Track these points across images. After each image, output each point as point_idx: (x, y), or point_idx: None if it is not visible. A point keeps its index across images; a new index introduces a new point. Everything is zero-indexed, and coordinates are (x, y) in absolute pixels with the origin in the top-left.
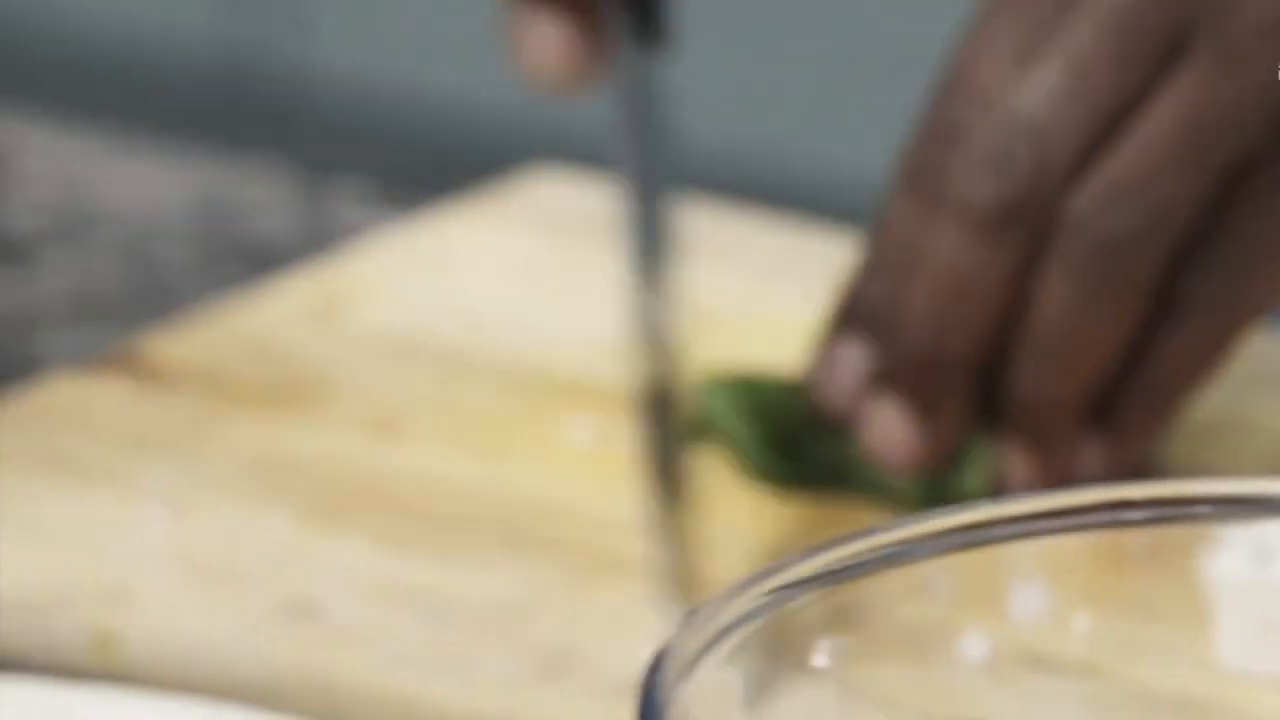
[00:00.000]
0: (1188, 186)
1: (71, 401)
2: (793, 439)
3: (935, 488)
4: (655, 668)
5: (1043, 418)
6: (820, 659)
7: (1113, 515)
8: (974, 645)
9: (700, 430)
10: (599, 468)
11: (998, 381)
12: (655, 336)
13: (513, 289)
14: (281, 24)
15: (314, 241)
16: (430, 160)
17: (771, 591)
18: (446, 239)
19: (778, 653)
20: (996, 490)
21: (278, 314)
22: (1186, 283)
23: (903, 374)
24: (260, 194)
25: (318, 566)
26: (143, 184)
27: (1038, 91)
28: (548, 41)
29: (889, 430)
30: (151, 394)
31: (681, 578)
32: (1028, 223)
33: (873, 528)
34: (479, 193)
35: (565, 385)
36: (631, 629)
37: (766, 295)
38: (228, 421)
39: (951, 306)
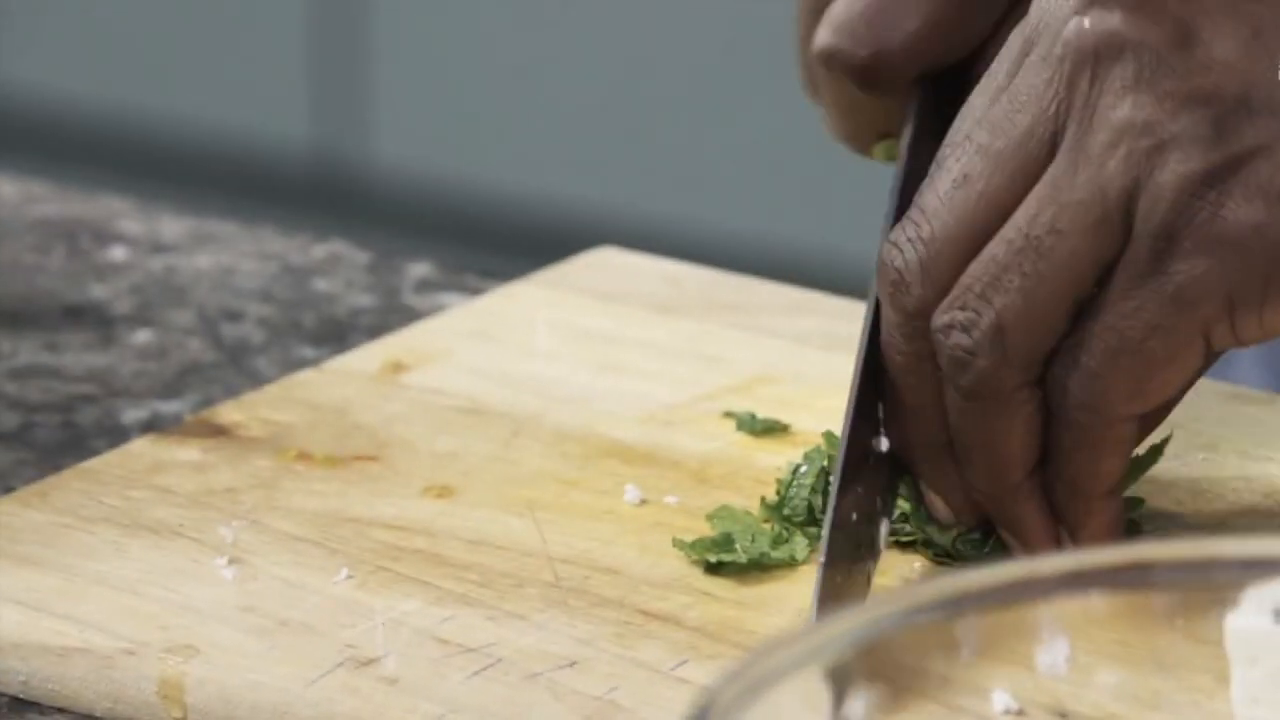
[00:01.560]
0: (1022, 298)
1: (150, 464)
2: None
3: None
4: (696, 719)
5: (996, 505)
6: (855, 710)
7: (1137, 576)
8: (1001, 698)
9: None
10: (644, 530)
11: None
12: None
13: (568, 360)
14: (356, 121)
15: (383, 318)
16: (489, 244)
17: (808, 645)
18: (506, 313)
19: (814, 704)
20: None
21: (344, 383)
22: (1052, 391)
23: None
24: (333, 274)
25: (376, 621)
26: (224, 264)
27: (931, 198)
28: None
29: (929, 497)
30: (223, 457)
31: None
32: (926, 330)
33: (907, 586)
34: (537, 272)
35: (615, 451)
36: (673, 682)
37: (815, 360)
38: (293, 483)
39: (898, 396)
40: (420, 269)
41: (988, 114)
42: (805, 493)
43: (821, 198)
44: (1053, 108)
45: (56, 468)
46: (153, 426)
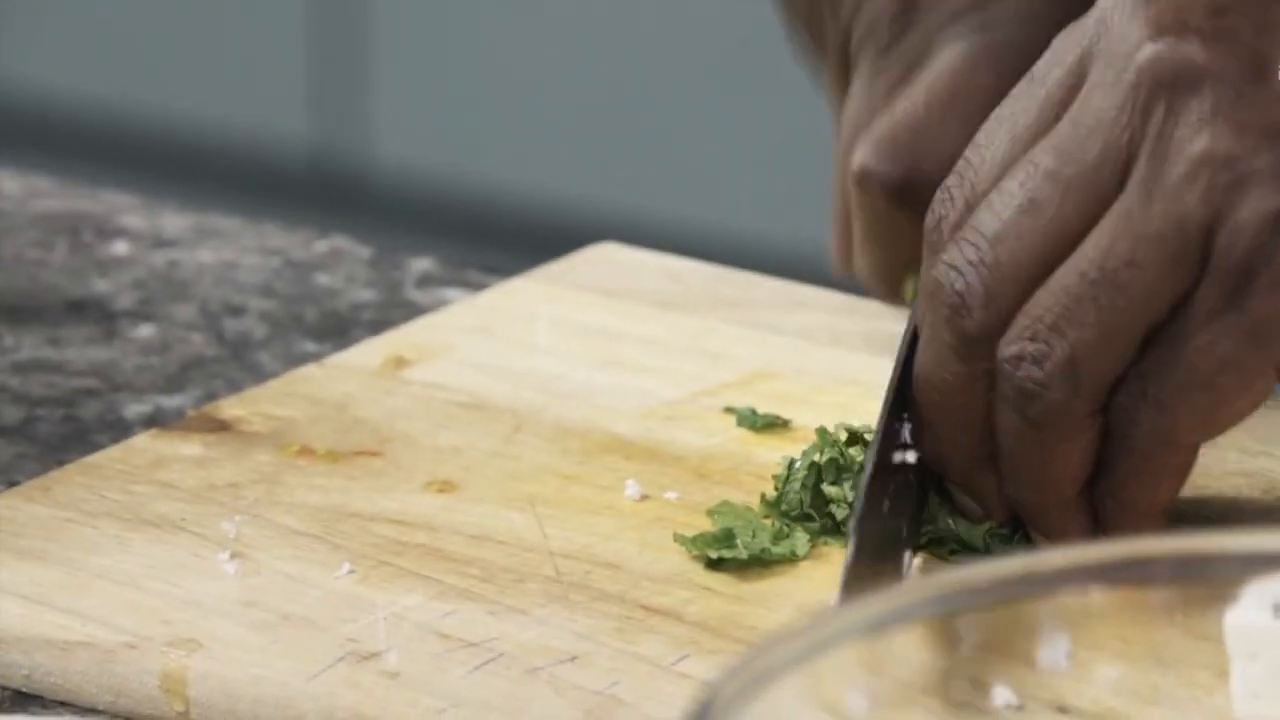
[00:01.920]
0: (1097, 332)
1: (152, 458)
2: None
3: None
4: (696, 713)
5: (1041, 516)
6: (856, 705)
7: (1137, 571)
8: (1002, 693)
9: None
10: (645, 525)
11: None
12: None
13: (569, 355)
14: (358, 117)
15: (385, 314)
16: (491, 240)
17: (809, 640)
18: (507, 309)
19: (814, 698)
20: None
21: (346, 378)
22: (1118, 418)
23: (932, 466)
24: (335, 269)
25: (377, 616)
26: (226, 259)
27: (994, 222)
28: None
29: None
30: (225, 452)
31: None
32: (986, 352)
33: (908, 582)
34: (538, 267)
35: (616, 446)
36: (674, 677)
37: (817, 356)
38: (295, 478)
39: (935, 415)
40: (422, 264)
41: (1052, 137)
42: (797, 488)
43: (823, 194)
44: (1125, 136)
45: (59, 462)
46: (155, 421)
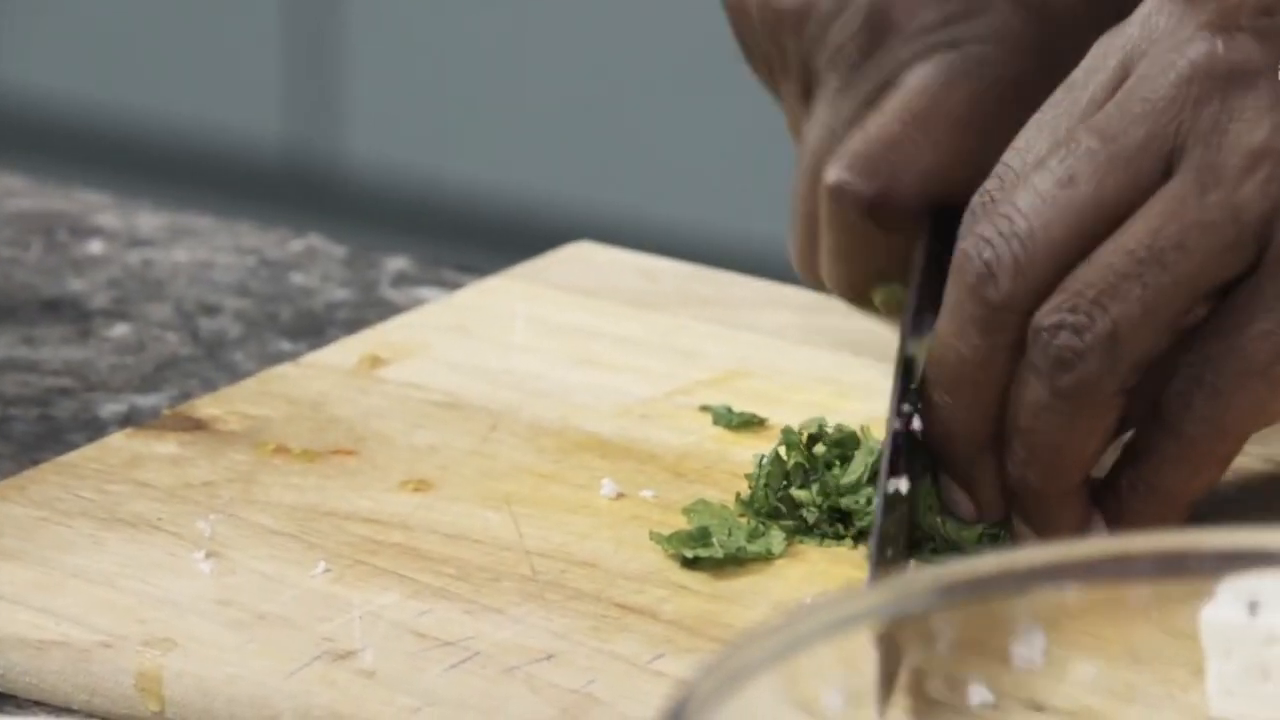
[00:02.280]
0: (1140, 309)
1: (127, 457)
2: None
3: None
4: (672, 712)
5: (1041, 504)
6: (831, 703)
7: (1112, 569)
8: (978, 691)
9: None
10: (620, 523)
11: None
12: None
13: (545, 354)
14: (333, 116)
15: (360, 313)
16: (467, 239)
17: (785, 638)
18: (483, 308)
19: (790, 696)
20: None
21: (322, 377)
22: (1170, 404)
23: (934, 447)
24: (310, 268)
25: (353, 615)
26: (201, 258)
27: (1029, 197)
28: None
29: (952, 494)
30: (200, 451)
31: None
32: (1010, 324)
33: (881, 580)
34: (514, 266)
35: (592, 445)
36: (650, 675)
37: (792, 354)
38: (271, 477)
39: (953, 389)
40: (397, 263)
41: (1094, 121)
42: (760, 486)
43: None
44: (1173, 126)
45: (34, 461)
46: (130, 420)
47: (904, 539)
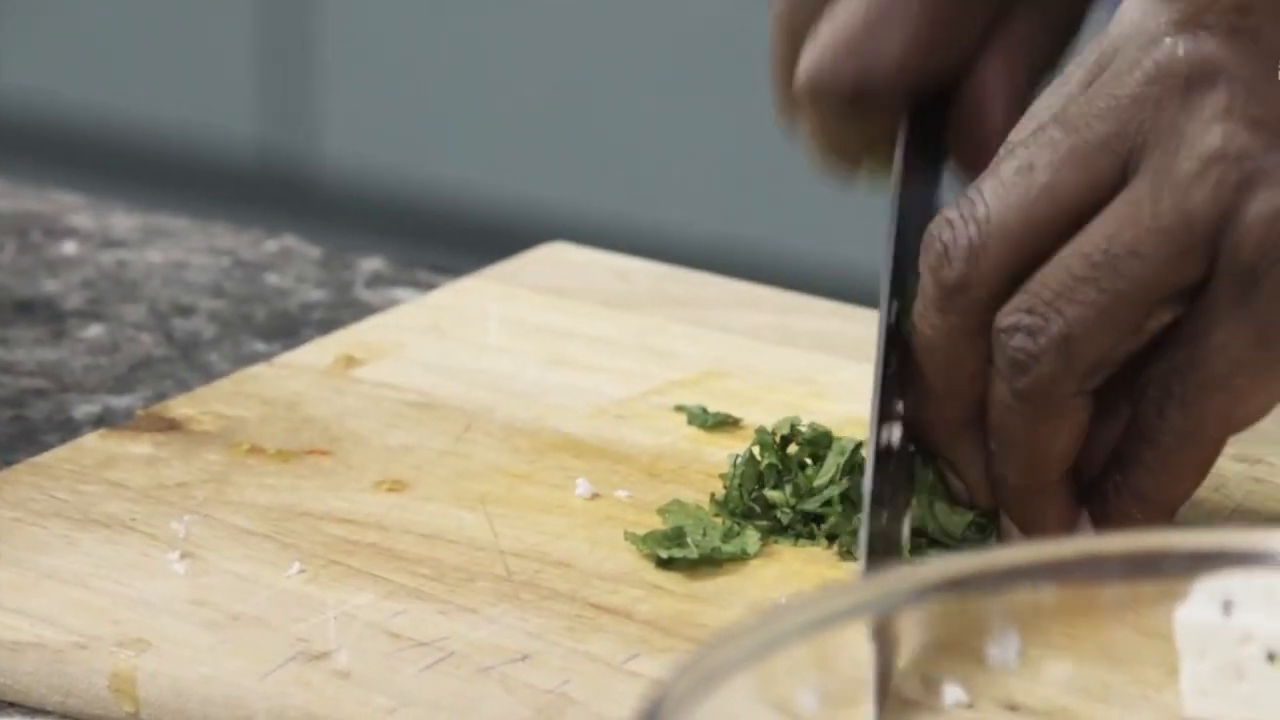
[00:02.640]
0: (1095, 313)
1: (101, 458)
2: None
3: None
4: (647, 712)
5: (1020, 499)
6: (806, 703)
7: (1087, 569)
8: (952, 691)
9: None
10: (595, 523)
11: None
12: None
13: (519, 354)
14: (307, 117)
15: (335, 313)
16: (441, 240)
17: (759, 638)
18: (457, 308)
19: (765, 696)
20: None
21: (296, 378)
22: (1146, 413)
23: (923, 433)
24: (284, 269)
25: (328, 615)
26: (175, 259)
27: (992, 182)
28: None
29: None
30: (175, 452)
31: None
32: (964, 307)
33: (857, 580)
34: (489, 267)
35: (566, 445)
36: (625, 676)
37: (767, 354)
38: (245, 478)
39: (921, 372)
40: (372, 264)
41: (1064, 112)
42: (735, 487)
43: (771, 193)
44: (1134, 124)
45: (8, 462)
46: (104, 421)
47: (901, 501)
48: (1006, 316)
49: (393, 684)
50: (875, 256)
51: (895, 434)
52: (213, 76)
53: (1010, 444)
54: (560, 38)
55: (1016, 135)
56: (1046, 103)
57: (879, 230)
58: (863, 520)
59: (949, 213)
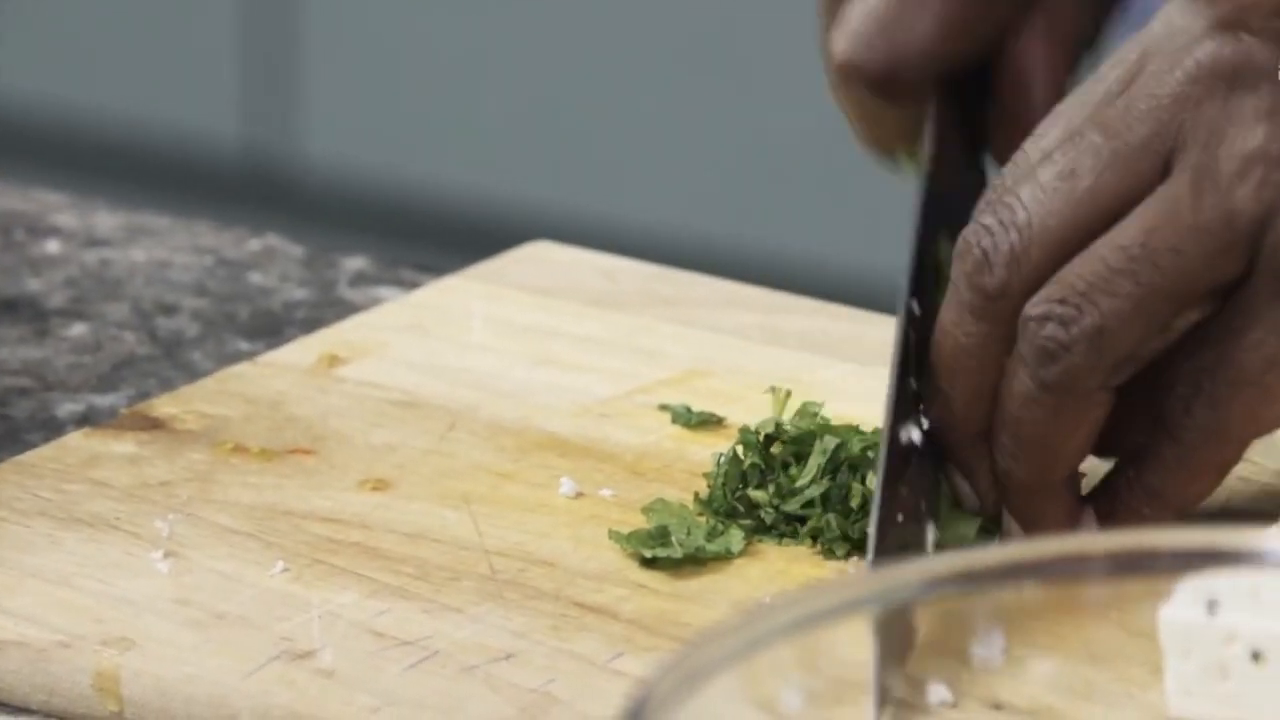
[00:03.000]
0: (1130, 306)
1: (85, 457)
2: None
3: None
4: (632, 711)
5: (1026, 498)
6: (790, 703)
7: (1071, 568)
8: (937, 690)
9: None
10: (579, 522)
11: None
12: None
13: (503, 353)
14: (291, 116)
15: (318, 312)
16: (425, 239)
17: (744, 637)
18: (441, 307)
19: (749, 696)
20: None
21: (280, 377)
22: (1172, 409)
23: (935, 434)
24: (267, 268)
25: (312, 614)
26: (158, 258)
27: (1031, 188)
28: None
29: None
30: (158, 451)
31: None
32: (1004, 313)
33: (841, 579)
34: (472, 265)
35: (550, 444)
36: (609, 675)
37: (752, 354)
38: (229, 476)
39: (949, 376)
40: (355, 263)
41: (1102, 115)
42: (719, 486)
43: (756, 192)
44: (1175, 124)
45: None
46: (87, 420)
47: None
48: (1037, 306)
49: (377, 683)
50: (862, 256)
51: (915, 434)
52: (196, 76)
53: (1026, 438)
54: (546, 37)
55: (1048, 138)
56: (1078, 102)
57: (865, 230)
58: (872, 520)
59: (985, 219)
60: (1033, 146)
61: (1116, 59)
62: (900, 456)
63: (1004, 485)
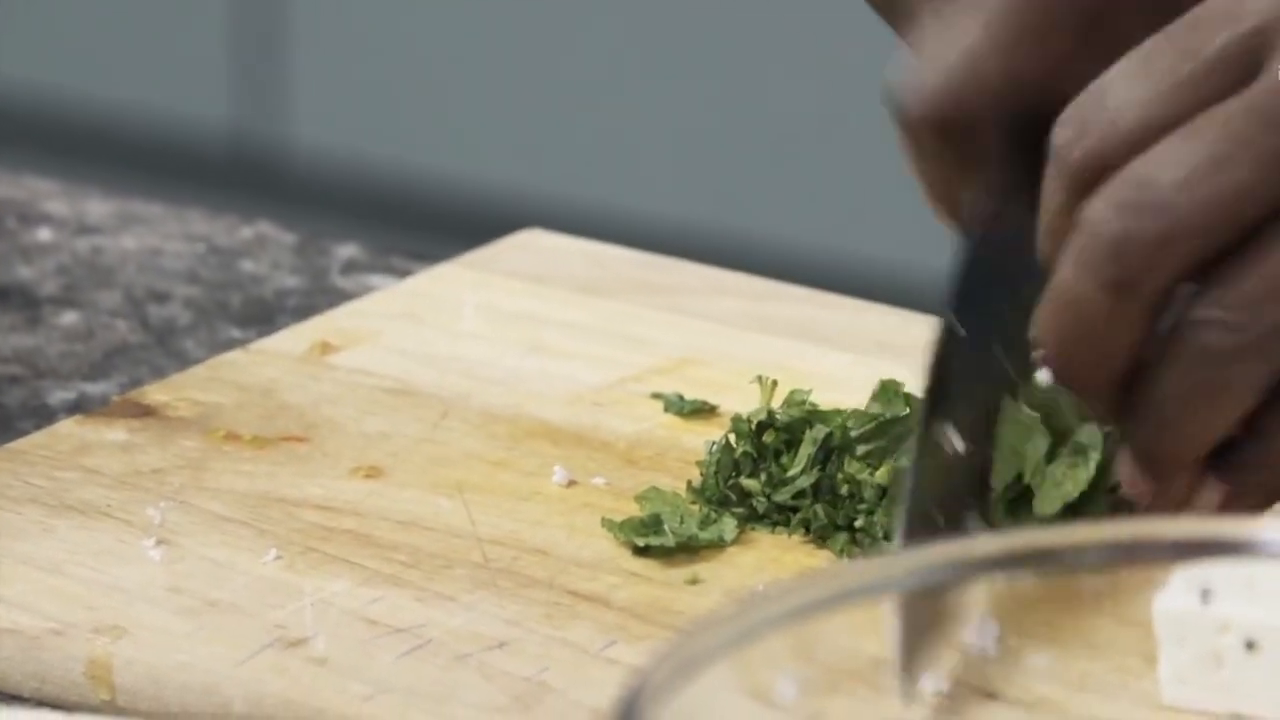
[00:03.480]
0: (1205, 195)
1: (77, 444)
2: None
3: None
4: (626, 700)
5: (1158, 472)
6: (784, 692)
7: (1066, 558)
8: (931, 679)
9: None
10: (572, 510)
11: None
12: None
13: (495, 341)
14: (282, 103)
15: (310, 300)
16: (416, 226)
17: (738, 626)
18: (433, 295)
19: (743, 685)
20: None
21: (272, 364)
22: None
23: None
24: (259, 255)
25: (305, 602)
26: (150, 245)
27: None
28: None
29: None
30: (150, 438)
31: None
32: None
33: (836, 568)
34: (464, 253)
35: (543, 432)
36: (603, 663)
37: (742, 341)
38: (221, 464)
39: (1074, 348)
40: (347, 250)
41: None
42: (711, 475)
43: (746, 180)
44: (1247, 31)
45: None
46: (79, 408)
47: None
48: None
49: (369, 671)
50: (851, 243)
51: (957, 441)
52: (187, 62)
53: (1173, 425)
54: (536, 25)
55: (1126, 74)
56: (1173, 48)
57: (854, 217)
58: (900, 511)
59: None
60: (1121, 90)
61: (1225, 17)
62: (933, 454)
63: (1138, 458)
